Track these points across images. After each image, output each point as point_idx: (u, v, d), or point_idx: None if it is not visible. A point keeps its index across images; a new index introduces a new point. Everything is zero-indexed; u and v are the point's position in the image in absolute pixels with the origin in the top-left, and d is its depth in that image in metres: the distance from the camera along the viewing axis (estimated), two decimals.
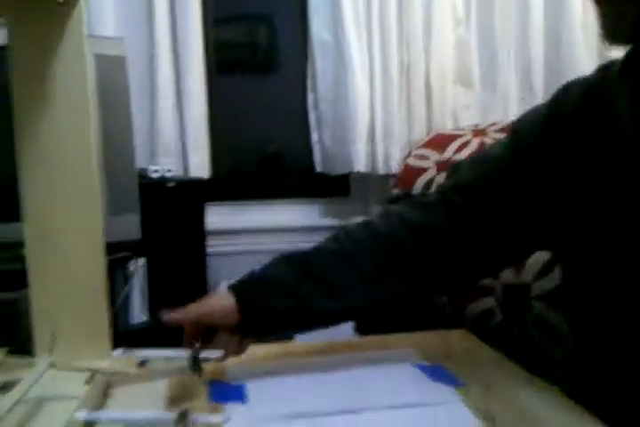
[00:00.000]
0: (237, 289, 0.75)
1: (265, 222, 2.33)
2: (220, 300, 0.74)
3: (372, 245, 0.80)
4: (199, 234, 1.82)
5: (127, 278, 1.57)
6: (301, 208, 2.44)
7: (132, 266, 1.58)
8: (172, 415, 0.51)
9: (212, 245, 2.00)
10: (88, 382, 0.69)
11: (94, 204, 0.81)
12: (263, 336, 0.77)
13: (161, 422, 0.51)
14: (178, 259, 1.75)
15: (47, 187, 0.79)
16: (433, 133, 2.02)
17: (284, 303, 0.74)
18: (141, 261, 1.62)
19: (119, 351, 0.74)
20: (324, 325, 0.78)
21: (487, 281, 1.23)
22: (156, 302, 1.66)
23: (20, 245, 1.32)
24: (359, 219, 2.31)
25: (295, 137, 2.46)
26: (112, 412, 0.53)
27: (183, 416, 0.51)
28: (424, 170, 1.77)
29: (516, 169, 0.76)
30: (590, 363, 0.80)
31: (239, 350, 0.74)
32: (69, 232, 0.80)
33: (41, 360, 0.72)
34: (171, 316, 0.72)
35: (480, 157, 0.84)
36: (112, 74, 1.41)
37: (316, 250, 0.81)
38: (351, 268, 0.77)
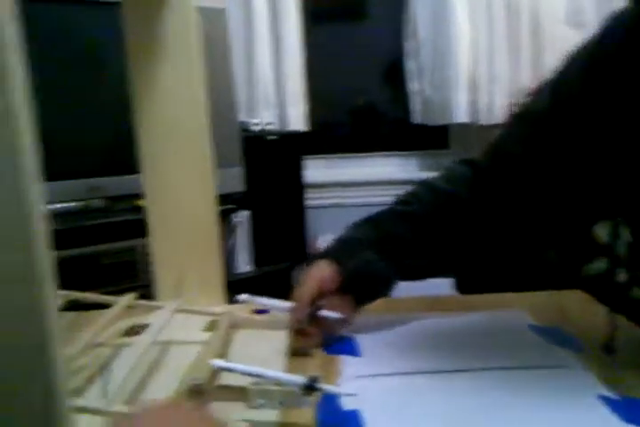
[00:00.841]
0: (330, 253, 0.75)
1: (361, 176, 2.32)
2: (319, 271, 0.74)
3: (436, 207, 0.79)
4: (298, 187, 1.84)
5: (232, 230, 1.62)
6: (398, 161, 2.40)
7: (236, 218, 1.63)
8: (303, 380, 0.52)
9: (310, 198, 2.01)
10: (209, 328, 0.72)
11: (206, 156, 0.82)
12: (364, 297, 0.77)
13: (290, 384, 0.52)
14: (279, 211, 1.78)
15: (162, 141, 0.81)
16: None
17: (375, 257, 0.74)
18: (245, 213, 1.66)
19: (243, 296, 0.76)
20: (417, 279, 0.78)
21: (607, 239, 1.16)
22: (260, 252, 1.71)
23: (134, 196, 1.40)
24: None
25: (391, 87, 2.40)
26: (243, 365, 0.55)
27: (313, 382, 0.52)
28: None
29: (558, 125, 0.70)
30: None
31: (350, 316, 0.74)
32: (184, 183, 0.82)
33: (167, 305, 0.76)
34: (294, 318, 0.72)
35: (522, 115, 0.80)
36: (213, 27, 1.42)
37: (391, 213, 0.81)
38: (423, 229, 0.77)
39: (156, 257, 0.84)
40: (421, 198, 0.80)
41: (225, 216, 1.62)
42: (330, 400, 0.57)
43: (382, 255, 0.75)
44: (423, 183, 0.83)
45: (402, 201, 0.82)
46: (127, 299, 0.75)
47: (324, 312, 0.70)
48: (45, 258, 0.34)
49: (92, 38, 1.39)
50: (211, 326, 0.72)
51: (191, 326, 0.74)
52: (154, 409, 0.43)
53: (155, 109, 0.81)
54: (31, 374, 0.34)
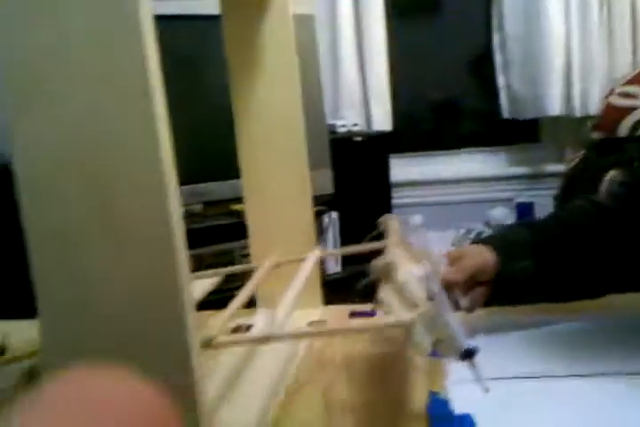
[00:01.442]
0: (494, 245, 0.73)
1: (448, 173, 2.28)
2: (482, 256, 0.73)
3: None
4: (385, 187, 1.84)
5: (322, 232, 1.64)
6: (485, 157, 2.34)
7: (326, 219, 1.65)
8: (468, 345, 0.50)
9: (396, 197, 2.00)
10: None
11: (303, 160, 0.84)
12: (501, 299, 0.76)
13: (456, 339, 0.50)
14: (366, 211, 1.78)
15: (261, 146, 0.83)
16: None
17: (532, 270, 0.72)
18: (334, 214, 1.68)
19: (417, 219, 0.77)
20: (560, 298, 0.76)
21: None
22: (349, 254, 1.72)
23: (229, 201, 1.45)
24: (553, 167, 2.16)
25: (478, 82, 2.34)
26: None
27: (472, 352, 0.50)
28: (630, 109, 1.58)
29: None
30: None
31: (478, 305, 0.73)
32: (282, 187, 0.84)
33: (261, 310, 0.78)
34: (449, 276, 0.71)
35: None
36: (302, 33, 1.44)
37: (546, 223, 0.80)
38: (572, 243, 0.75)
39: (255, 259, 0.86)
40: (584, 211, 0.79)
41: (315, 218, 1.64)
42: (440, 404, 0.56)
43: (540, 269, 0.73)
44: (584, 198, 0.83)
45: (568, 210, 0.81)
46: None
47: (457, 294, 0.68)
48: (182, 252, 0.37)
49: (189, 49, 1.45)
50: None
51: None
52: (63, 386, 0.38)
53: (253, 117, 0.83)
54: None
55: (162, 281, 0.38)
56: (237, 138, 0.84)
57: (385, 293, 0.56)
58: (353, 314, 0.83)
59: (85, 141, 0.37)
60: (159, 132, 0.36)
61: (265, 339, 0.52)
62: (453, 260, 0.70)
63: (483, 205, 2.14)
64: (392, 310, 0.52)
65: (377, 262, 0.60)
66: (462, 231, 1.97)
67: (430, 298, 0.49)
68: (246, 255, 1.46)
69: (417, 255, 0.62)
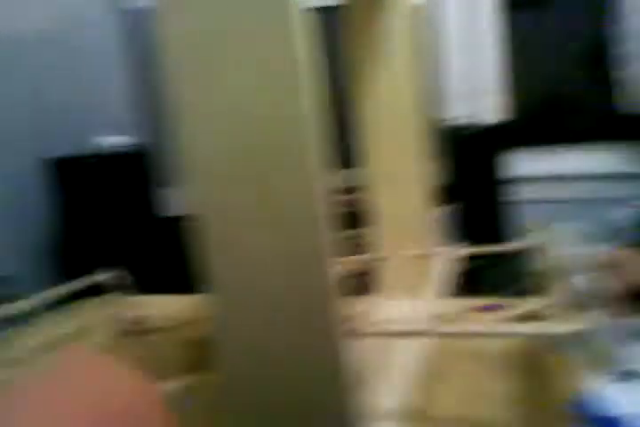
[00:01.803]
0: None
1: (563, 169, 2.18)
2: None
3: None
4: (497, 182, 1.79)
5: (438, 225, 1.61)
6: (602, 154, 2.22)
7: (439, 213, 1.62)
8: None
9: (512, 193, 1.94)
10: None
11: (422, 147, 0.84)
12: None
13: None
14: (478, 206, 1.75)
15: (383, 133, 0.84)
16: None
17: None
18: (447, 208, 1.66)
19: None
20: None
21: None
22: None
23: (350, 189, 1.46)
24: None
25: (592, 75, 2.22)
26: None
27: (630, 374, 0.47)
28: None
29: None
30: None
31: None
32: (402, 175, 0.85)
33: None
34: (612, 285, 0.67)
35: None
36: (415, 22, 1.43)
37: None
38: None
39: (375, 249, 0.87)
40: None
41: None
42: (593, 404, 0.54)
43: None
44: None
45: None
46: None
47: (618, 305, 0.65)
48: (332, 234, 0.39)
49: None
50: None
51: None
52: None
53: (374, 106, 0.84)
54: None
55: (312, 259, 0.39)
56: (359, 127, 0.85)
57: (558, 295, 0.54)
58: (483, 308, 0.81)
59: (246, 130, 0.39)
60: (314, 121, 0.38)
61: (420, 333, 0.52)
62: (608, 266, 0.67)
63: (600, 204, 2.04)
64: (560, 315, 0.51)
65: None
66: (579, 230, 1.88)
67: (597, 308, 0.47)
68: (361, 245, 1.48)
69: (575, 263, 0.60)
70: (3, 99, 1.66)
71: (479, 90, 2.00)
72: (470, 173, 1.73)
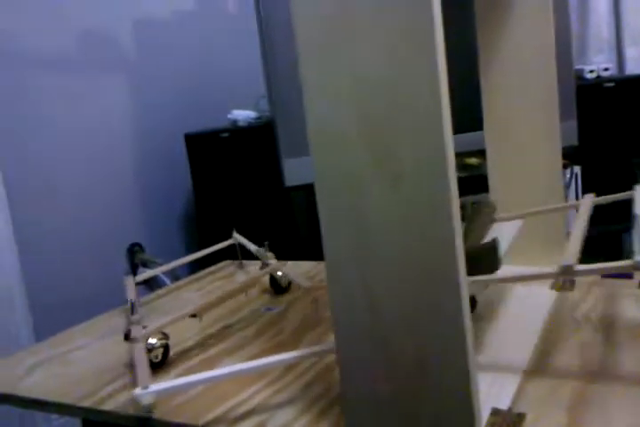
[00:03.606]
0: None
1: None
2: None
3: None
4: (639, 138, 1.64)
5: (565, 187, 1.53)
6: None
7: (567, 174, 1.54)
8: None
9: None
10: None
11: (553, 108, 0.79)
12: None
13: None
14: (614, 166, 1.62)
15: (509, 93, 0.80)
16: None
17: None
18: (577, 168, 1.56)
19: None
20: None
21: None
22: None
23: (463, 154, 1.42)
24: None
25: None
26: None
27: None
28: None
29: None
30: None
31: None
32: (527, 135, 0.81)
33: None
34: None
35: None
36: None
37: None
38: None
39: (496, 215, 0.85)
40: None
41: None
42: None
43: None
44: None
45: None
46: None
47: None
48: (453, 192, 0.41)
49: None
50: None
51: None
52: None
53: (502, 63, 0.80)
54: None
55: (432, 218, 0.40)
56: (482, 86, 0.82)
57: None
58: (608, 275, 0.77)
59: (372, 94, 0.41)
60: (441, 86, 0.38)
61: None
62: None
63: None
64: None
65: None
66: None
67: None
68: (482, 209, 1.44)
69: None
70: (150, 81, 1.79)
71: (622, 38, 1.82)
72: (607, 130, 1.59)
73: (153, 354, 0.65)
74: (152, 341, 0.65)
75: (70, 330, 0.84)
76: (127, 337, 0.69)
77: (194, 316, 0.76)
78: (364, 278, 0.43)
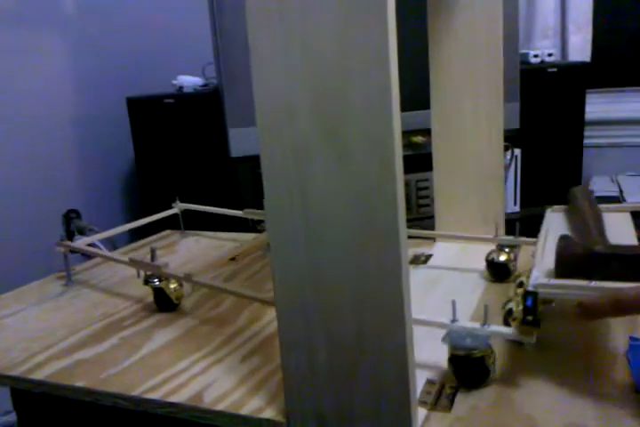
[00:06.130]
0: None
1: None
2: None
3: None
4: (577, 124, 1.70)
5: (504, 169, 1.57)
6: None
7: (507, 156, 1.58)
8: None
9: (589, 137, 1.84)
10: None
11: (498, 91, 0.81)
12: None
13: None
14: (553, 150, 1.67)
15: (456, 74, 0.81)
16: None
17: None
18: (517, 151, 1.60)
19: None
20: None
21: None
22: (528, 193, 1.65)
23: (409, 133, 1.44)
24: None
25: None
26: None
27: None
28: None
29: None
30: None
31: None
32: (471, 119, 0.82)
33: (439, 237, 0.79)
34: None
35: None
36: None
37: None
38: None
39: (437, 192, 0.86)
40: None
41: None
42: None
43: None
44: None
45: None
46: None
47: None
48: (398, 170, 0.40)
49: None
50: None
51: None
52: None
53: (450, 44, 0.81)
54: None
55: (377, 196, 0.40)
56: (431, 67, 0.82)
57: None
58: None
59: (323, 65, 0.40)
60: (390, 62, 0.38)
61: None
62: None
63: None
64: None
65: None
66: None
67: None
68: (423, 188, 1.47)
69: None
70: (92, 41, 1.71)
71: (567, 25, 1.87)
72: (549, 115, 1.64)
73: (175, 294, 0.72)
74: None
75: (1, 296, 0.81)
76: (147, 282, 0.72)
77: (233, 259, 0.88)
78: (310, 253, 0.43)
